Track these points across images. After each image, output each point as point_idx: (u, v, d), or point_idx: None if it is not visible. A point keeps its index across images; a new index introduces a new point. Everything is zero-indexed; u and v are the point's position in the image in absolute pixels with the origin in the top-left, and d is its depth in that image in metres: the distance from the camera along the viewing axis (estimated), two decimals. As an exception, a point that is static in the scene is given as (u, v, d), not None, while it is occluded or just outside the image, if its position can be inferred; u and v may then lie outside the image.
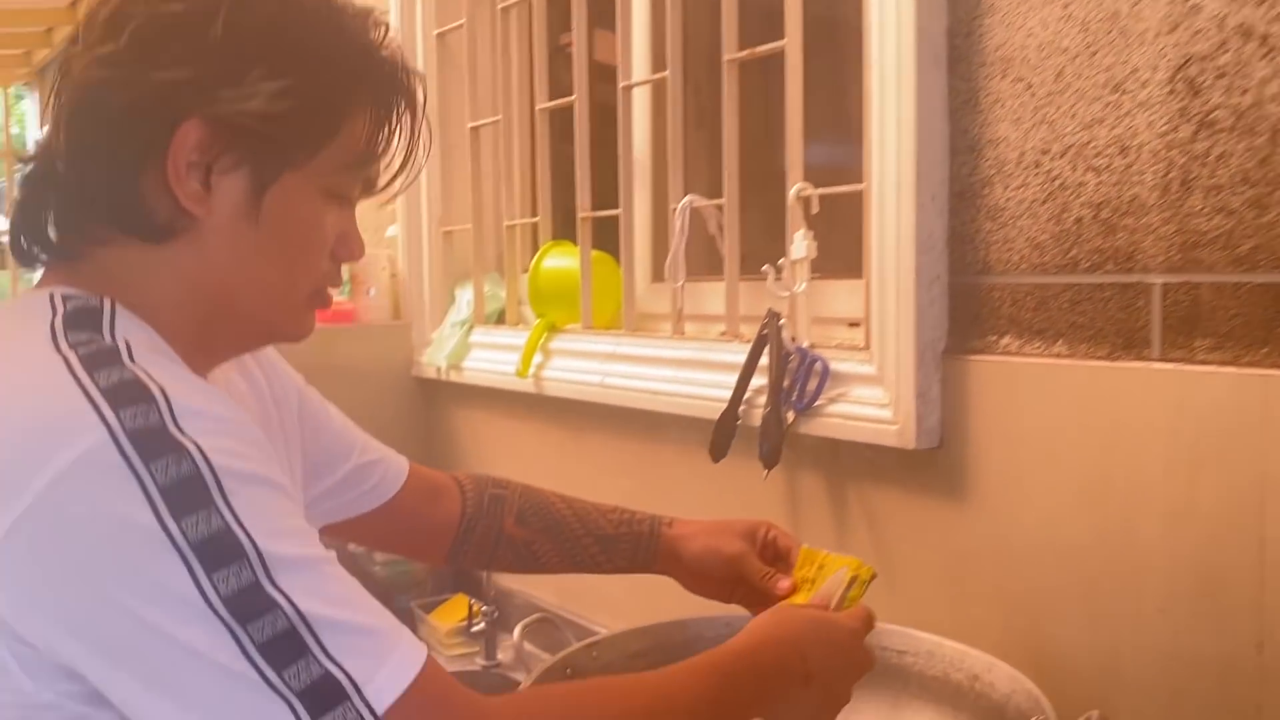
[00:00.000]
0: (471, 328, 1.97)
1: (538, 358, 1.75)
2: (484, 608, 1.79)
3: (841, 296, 1.35)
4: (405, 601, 1.92)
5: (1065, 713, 0.89)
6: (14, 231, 0.76)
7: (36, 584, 0.62)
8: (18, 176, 0.79)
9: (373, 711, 0.62)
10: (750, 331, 1.36)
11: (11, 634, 0.64)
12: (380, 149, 0.78)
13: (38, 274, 0.78)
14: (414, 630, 0.79)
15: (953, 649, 1.07)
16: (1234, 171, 0.90)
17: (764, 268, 1.31)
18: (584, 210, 1.69)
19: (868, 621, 0.91)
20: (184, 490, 0.61)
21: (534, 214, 1.90)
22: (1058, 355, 1.05)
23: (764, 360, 1.30)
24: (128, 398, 0.63)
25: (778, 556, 1.06)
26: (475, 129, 1.96)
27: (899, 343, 1.15)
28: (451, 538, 1.10)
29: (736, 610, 1.06)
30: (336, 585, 0.66)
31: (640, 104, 1.68)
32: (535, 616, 1.56)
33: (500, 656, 1.78)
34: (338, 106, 0.75)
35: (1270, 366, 0.89)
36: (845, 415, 1.22)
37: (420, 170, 0.82)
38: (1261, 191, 0.89)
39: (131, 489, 0.61)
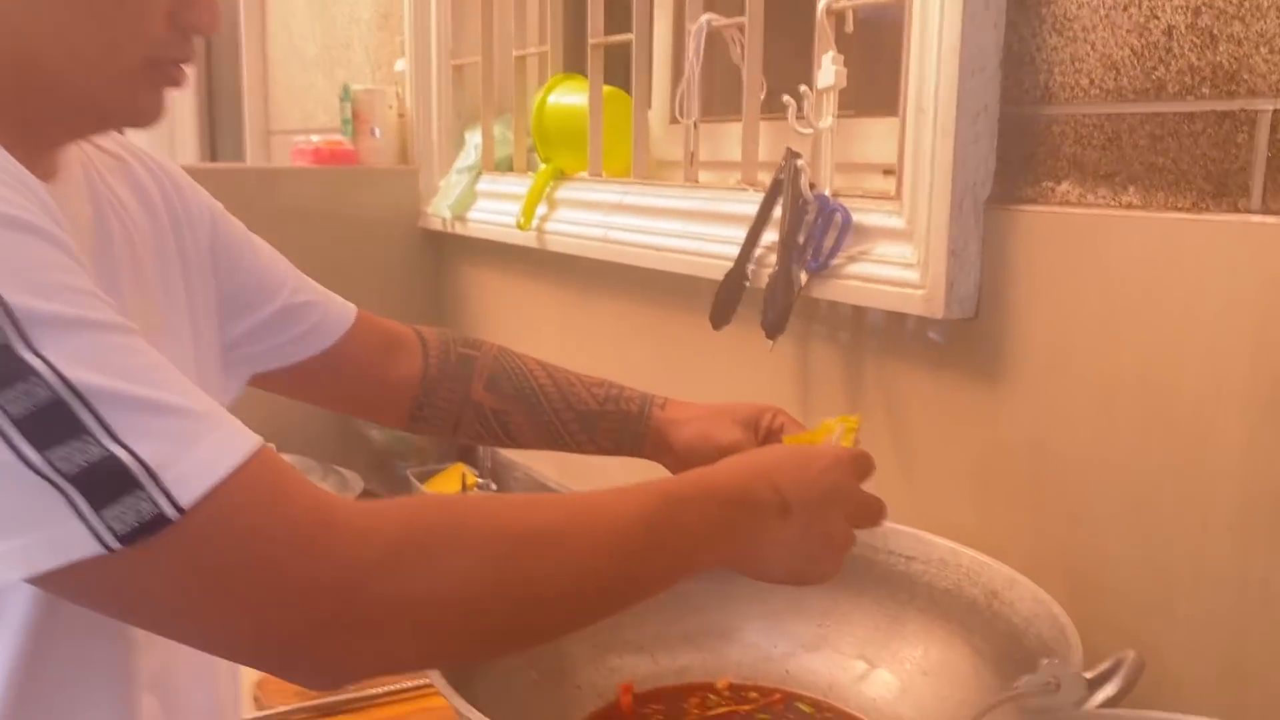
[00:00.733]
0: (479, 174, 1.79)
1: (541, 208, 1.57)
2: (480, 479, 1.66)
3: (875, 138, 1.14)
4: (402, 469, 1.80)
5: (1096, 649, 0.71)
6: None
7: None
8: None
9: (174, 503, 0.48)
10: (771, 180, 1.15)
11: None
12: None
13: None
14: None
15: (971, 559, 0.90)
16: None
17: (784, 98, 1.09)
18: (595, 35, 1.47)
19: (860, 459, 0.72)
20: None
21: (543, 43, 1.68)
22: (1128, 205, 0.84)
23: (779, 212, 1.10)
24: None
25: None
26: (489, -51, 1.74)
27: (933, 189, 0.94)
28: (410, 399, 0.95)
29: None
30: (128, 358, 0.52)
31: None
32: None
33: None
34: None
35: None
36: (866, 277, 1.02)
37: None
38: None
39: None
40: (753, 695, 0.92)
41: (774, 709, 0.90)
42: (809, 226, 1.07)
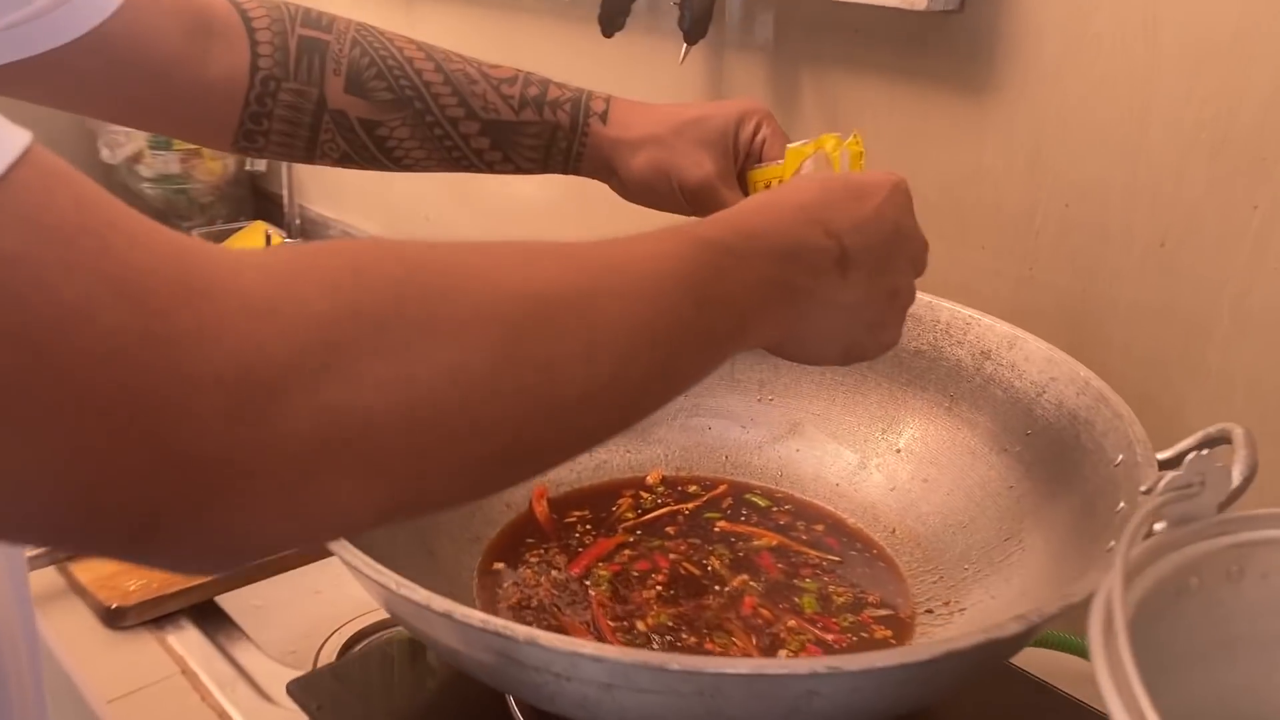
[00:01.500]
0: None
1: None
2: (286, 240, 1.39)
3: None
4: (185, 230, 1.50)
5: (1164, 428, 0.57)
6: None
7: None
8: None
9: None
10: None
11: None
12: None
13: None
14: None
15: (951, 313, 0.74)
16: None
17: None
18: None
19: (901, 185, 0.52)
20: None
21: None
22: None
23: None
24: None
25: None
26: None
27: None
28: (236, 107, 0.66)
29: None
30: None
31: None
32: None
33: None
34: None
35: None
36: (810, -39, 0.80)
37: None
38: None
39: None
40: (692, 489, 0.76)
41: (721, 504, 0.74)
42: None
